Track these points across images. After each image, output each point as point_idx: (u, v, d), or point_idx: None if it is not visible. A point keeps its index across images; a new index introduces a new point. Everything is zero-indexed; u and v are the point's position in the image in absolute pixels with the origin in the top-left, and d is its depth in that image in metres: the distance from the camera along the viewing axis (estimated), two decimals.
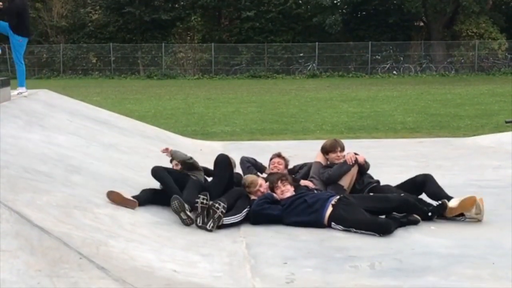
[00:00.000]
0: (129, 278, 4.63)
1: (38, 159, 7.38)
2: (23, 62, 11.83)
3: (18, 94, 11.70)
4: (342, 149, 7.73)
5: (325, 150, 7.79)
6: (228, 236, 6.33)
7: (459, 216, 6.78)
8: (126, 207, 6.55)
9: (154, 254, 5.38)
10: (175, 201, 6.52)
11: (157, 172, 7.22)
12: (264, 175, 7.98)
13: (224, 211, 6.50)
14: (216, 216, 6.43)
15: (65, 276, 4.49)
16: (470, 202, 6.69)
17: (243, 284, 4.99)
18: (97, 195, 6.73)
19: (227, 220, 6.56)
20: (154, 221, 6.48)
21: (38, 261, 4.61)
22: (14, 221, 5.05)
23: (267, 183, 7.24)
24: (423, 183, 7.29)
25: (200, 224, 6.45)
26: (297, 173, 8.13)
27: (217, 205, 6.47)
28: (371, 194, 7.35)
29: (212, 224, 6.42)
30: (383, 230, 6.24)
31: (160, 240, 5.88)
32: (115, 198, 6.57)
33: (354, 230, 6.37)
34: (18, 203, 5.46)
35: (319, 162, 7.80)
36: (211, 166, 8.14)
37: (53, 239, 4.92)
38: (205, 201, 6.48)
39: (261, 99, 25.13)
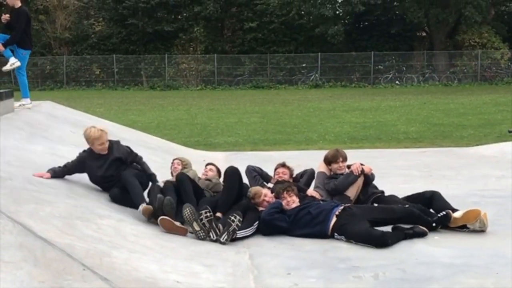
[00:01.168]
0: None
1: (42, 171, 7.38)
2: (25, 73, 11.86)
3: (20, 105, 11.70)
4: (344, 159, 7.73)
5: (327, 161, 7.80)
6: (231, 246, 6.32)
7: (462, 228, 6.77)
8: (176, 234, 6.51)
9: (157, 265, 5.37)
10: (187, 209, 6.49)
11: (183, 179, 7.24)
12: (270, 185, 7.97)
13: (239, 224, 6.47)
14: (231, 229, 6.40)
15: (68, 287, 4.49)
16: (474, 215, 6.68)
17: None
18: (100, 206, 6.73)
19: (240, 233, 6.53)
20: (157, 232, 6.48)
21: (41, 273, 4.61)
22: (17, 233, 5.05)
23: (273, 193, 7.24)
24: (431, 199, 7.27)
25: (215, 238, 6.39)
26: (298, 182, 8.13)
27: (232, 217, 6.44)
28: (376, 204, 7.34)
29: (226, 237, 6.37)
30: (378, 243, 6.22)
31: (163, 251, 5.87)
32: (166, 224, 6.52)
33: (354, 241, 6.38)
34: (21, 215, 5.46)
35: (323, 172, 7.80)
36: None
37: (56, 250, 4.92)
38: (208, 214, 6.45)
39: (264, 109, 25.15)
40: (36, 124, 10.41)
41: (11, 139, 8.66)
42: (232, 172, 7.32)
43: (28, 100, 11.88)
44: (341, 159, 7.70)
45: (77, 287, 4.51)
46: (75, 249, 5.08)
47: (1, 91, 10.99)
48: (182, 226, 6.55)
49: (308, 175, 8.15)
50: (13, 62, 11.37)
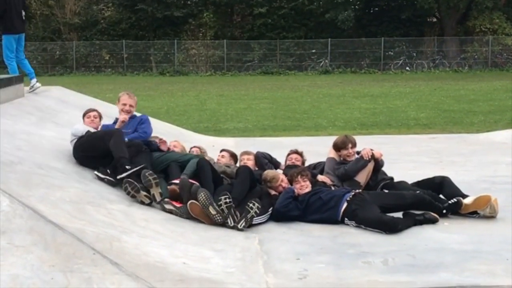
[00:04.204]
0: (142, 274, 4.65)
1: (52, 155, 7.41)
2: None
3: (30, 90, 11.73)
4: (354, 145, 7.71)
5: (336, 147, 7.78)
6: (241, 232, 6.33)
7: (472, 213, 6.75)
8: (199, 219, 6.49)
9: (167, 249, 5.39)
10: (202, 193, 6.46)
11: (204, 164, 7.20)
12: (279, 171, 7.96)
13: (258, 211, 6.47)
14: (249, 216, 6.41)
15: (78, 272, 4.51)
16: (485, 201, 6.67)
17: (256, 280, 5.00)
18: (110, 191, 6.75)
19: (256, 220, 6.53)
20: (167, 217, 6.49)
21: (51, 257, 4.64)
22: (28, 217, 5.08)
23: (286, 177, 7.23)
24: (440, 184, 7.25)
25: (232, 225, 6.38)
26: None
27: (251, 204, 6.44)
28: (386, 191, 7.32)
29: (244, 224, 6.37)
30: (388, 229, 6.22)
31: (173, 236, 5.89)
32: (194, 209, 6.49)
33: (364, 227, 6.38)
34: (32, 199, 5.49)
35: (332, 158, 7.78)
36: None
37: (66, 234, 4.95)
38: (228, 200, 6.46)
39: (273, 95, 25.11)
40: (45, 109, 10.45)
41: (21, 124, 8.68)
42: (244, 170, 7.26)
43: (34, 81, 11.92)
44: (350, 145, 7.68)
45: (87, 271, 4.54)
46: (85, 233, 5.10)
47: (11, 76, 11.01)
48: (212, 213, 6.42)
49: (321, 169, 8.06)
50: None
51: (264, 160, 8.15)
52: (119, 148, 7.07)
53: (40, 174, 6.44)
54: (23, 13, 11.65)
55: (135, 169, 6.81)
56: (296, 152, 8.25)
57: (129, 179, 6.73)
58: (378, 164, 7.56)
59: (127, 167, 6.84)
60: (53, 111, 10.53)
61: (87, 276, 4.49)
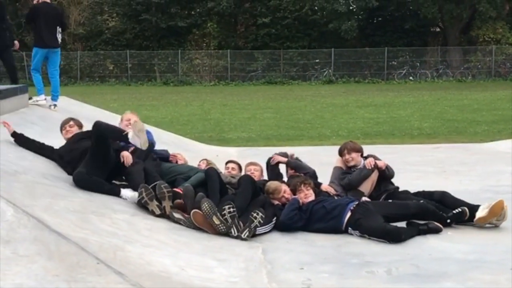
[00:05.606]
0: (146, 283, 4.65)
1: (56, 165, 7.42)
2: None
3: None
4: (352, 150, 7.67)
5: (339, 154, 7.82)
6: (244, 241, 6.33)
7: (471, 221, 6.73)
8: (204, 229, 6.48)
9: (170, 259, 5.39)
10: (205, 203, 6.44)
11: (212, 174, 7.23)
12: (285, 178, 7.97)
13: (261, 221, 6.47)
14: (253, 225, 6.40)
15: (82, 281, 4.51)
16: (499, 207, 6.60)
17: None
18: (114, 201, 6.76)
19: (259, 230, 6.52)
20: (171, 226, 6.49)
21: (55, 266, 4.64)
22: (32, 227, 5.09)
23: (289, 186, 7.23)
24: (440, 201, 7.19)
25: (236, 234, 6.36)
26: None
27: (255, 214, 6.44)
28: (390, 200, 7.31)
29: (247, 233, 6.36)
30: (392, 238, 6.21)
31: (176, 245, 5.89)
32: (197, 218, 6.48)
33: (367, 236, 6.38)
34: (36, 209, 5.50)
35: (339, 167, 7.78)
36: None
37: (70, 244, 4.95)
38: (231, 210, 6.45)
39: (277, 105, 25.14)
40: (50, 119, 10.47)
41: (26, 134, 8.69)
42: (246, 179, 7.27)
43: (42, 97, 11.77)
44: (346, 151, 7.68)
45: (91, 280, 4.54)
46: (89, 243, 5.11)
47: (16, 86, 11.05)
48: (216, 223, 6.41)
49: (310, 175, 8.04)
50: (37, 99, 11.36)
51: (276, 169, 8.12)
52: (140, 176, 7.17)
53: (44, 184, 6.46)
54: (58, 29, 11.44)
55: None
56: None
57: (145, 185, 6.77)
58: (385, 173, 7.55)
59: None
60: (57, 121, 10.53)
61: (91, 285, 4.49)
